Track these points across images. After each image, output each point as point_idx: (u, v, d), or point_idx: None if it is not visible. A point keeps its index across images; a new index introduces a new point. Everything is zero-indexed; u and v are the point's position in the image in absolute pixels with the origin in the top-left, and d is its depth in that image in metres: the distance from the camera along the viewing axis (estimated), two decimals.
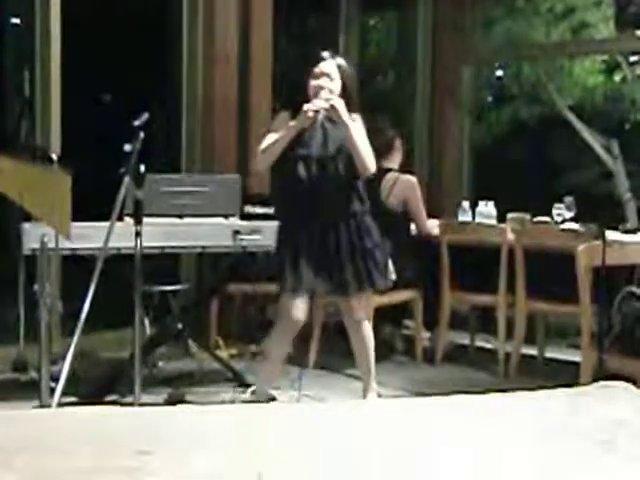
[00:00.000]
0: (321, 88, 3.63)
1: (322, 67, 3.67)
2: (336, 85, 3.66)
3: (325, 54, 3.72)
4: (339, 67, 3.70)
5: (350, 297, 3.76)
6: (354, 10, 6.60)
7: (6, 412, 1.77)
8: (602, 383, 2.19)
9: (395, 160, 5.02)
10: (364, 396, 3.90)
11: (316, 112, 3.58)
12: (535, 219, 4.96)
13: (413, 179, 4.98)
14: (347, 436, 1.77)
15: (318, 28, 7.10)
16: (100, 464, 1.45)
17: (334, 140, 3.70)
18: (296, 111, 3.64)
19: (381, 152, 5.00)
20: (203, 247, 4.14)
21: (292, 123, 3.61)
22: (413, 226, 5.05)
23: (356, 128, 3.65)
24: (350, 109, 3.63)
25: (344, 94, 3.66)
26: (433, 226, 5.02)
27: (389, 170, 4.97)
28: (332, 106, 3.58)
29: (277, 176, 3.81)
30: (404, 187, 4.93)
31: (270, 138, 3.66)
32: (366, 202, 3.81)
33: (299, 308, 3.70)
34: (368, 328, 3.87)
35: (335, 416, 2.00)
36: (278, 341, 3.78)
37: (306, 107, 3.57)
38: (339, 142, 3.69)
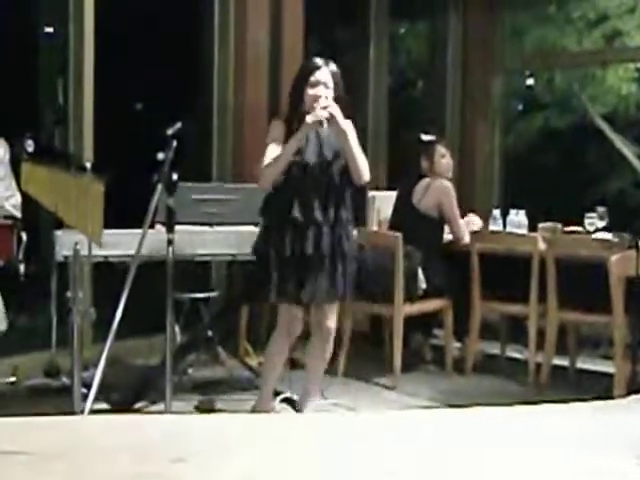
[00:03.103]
0: (318, 97, 3.62)
1: (318, 76, 3.66)
2: (332, 92, 3.66)
3: (319, 61, 3.70)
4: (332, 74, 3.69)
5: (327, 303, 3.75)
6: (384, 19, 6.60)
7: (43, 418, 1.79)
8: (637, 396, 2.17)
9: (430, 170, 4.99)
10: (302, 404, 3.90)
11: (319, 122, 3.58)
12: (567, 228, 4.92)
13: (447, 183, 4.95)
14: (377, 446, 1.77)
15: (348, 37, 7.11)
16: (136, 471, 1.46)
17: (329, 146, 3.70)
18: (291, 119, 3.67)
19: (418, 159, 5.01)
20: (233, 255, 4.16)
21: (295, 136, 3.59)
22: (446, 235, 5.02)
23: (352, 135, 3.65)
24: (343, 114, 3.63)
25: (337, 100, 3.65)
26: (467, 234, 4.98)
27: (424, 176, 4.96)
28: (331, 114, 3.58)
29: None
30: (438, 192, 4.90)
31: (271, 152, 3.63)
32: (351, 210, 3.78)
33: (295, 315, 3.72)
34: (332, 342, 3.87)
35: (366, 426, 1.99)
36: (275, 348, 3.80)
37: (309, 119, 3.57)
38: (334, 148, 3.69)
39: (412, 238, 4.68)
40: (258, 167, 3.68)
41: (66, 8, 4.81)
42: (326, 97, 3.63)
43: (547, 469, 1.65)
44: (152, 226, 3.49)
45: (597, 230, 4.66)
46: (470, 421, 2.00)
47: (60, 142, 5.04)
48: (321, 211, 3.64)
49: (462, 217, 5.08)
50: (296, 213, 3.61)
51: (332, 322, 3.82)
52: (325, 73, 3.67)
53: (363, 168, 3.68)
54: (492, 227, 5.09)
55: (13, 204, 3.91)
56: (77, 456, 1.55)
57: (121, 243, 3.69)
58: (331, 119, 3.58)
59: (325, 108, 3.58)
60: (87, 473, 1.48)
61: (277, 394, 4.28)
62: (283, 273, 3.62)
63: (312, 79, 3.65)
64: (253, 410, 3.85)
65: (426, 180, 4.95)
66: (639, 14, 7.12)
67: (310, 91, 3.64)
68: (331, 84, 3.66)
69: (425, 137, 5.11)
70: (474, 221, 5.20)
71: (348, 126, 3.64)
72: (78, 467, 1.50)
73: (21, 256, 3.76)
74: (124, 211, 3.57)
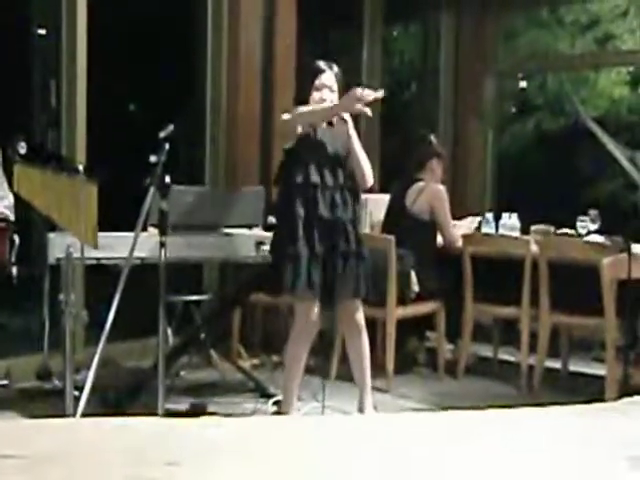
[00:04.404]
0: (324, 100, 3.67)
1: (323, 79, 3.71)
2: (336, 96, 3.71)
3: (322, 65, 3.74)
4: (337, 77, 3.74)
5: (354, 300, 3.78)
6: (377, 21, 6.61)
7: (35, 421, 1.79)
8: (628, 399, 2.17)
9: (427, 175, 4.99)
10: (360, 407, 3.88)
11: (329, 122, 3.65)
12: (559, 231, 4.94)
13: (441, 188, 4.97)
14: (371, 449, 1.77)
15: (342, 39, 7.12)
16: (129, 474, 1.46)
17: (337, 149, 3.74)
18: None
19: (415, 163, 5.02)
20: (226, 258, 4.16)
21: (337, 104, 3.61)
22: (439, 238, 5.03)
23: (357, 139, 3.71)
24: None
25: None
26: (459, 238, 5.00)
27: (419, 180, 4.97)
28: (344, 120, 3.61)
29: (286, 180, 3.80)
30: (432, 196, 4.91)
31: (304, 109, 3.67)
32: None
33: (315, 311, 3.71)
34: (366, 335, 3.88)
35: (358, 429, 1.99)
36: (297, 348, 3.78)
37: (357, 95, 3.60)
38: (341, 152, 3.73)
39: (405, 241, 4.69)
40: (281, 121, 3.72)
41: (59, 10, 4.80)
42: (331, 101, 3.67)
43: (537, 472, 1.66)
44: (145, 229, 3.49)
45: (589, 233, 4.68)
46: (461, 423, 2.00)
47: (53, 144, 5.03)
48: (343, 208, 3.69)
49: (460, 219, 5.10)
50: (317, 214, 3.65)
51: (361, 318, 3.84)
52: (330, 77, 3.72)
53: (368, 172, 3.74)
54: (485, 230, 5.10)
55: (6, 206, 3.90)
56: (70, 459, 1.55)
57: (114, 246, 3.68)
58: (342, 123, 3.63)
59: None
60: (80, 476, 1.47)
61: (270, 396, 4.28)
62: (312, 270, 3.63)
63: (317, 82, 3.70)
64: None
65: (420, 183, 4.96)
66: (631, 18, 7.16)
67: (316, 95, 3.68)
68: (335, 87, 3.72)
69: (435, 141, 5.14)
70: (468, 225, 5.21)
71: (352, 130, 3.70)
72: (71, 470, 1.50)
73: (13, 258, 3.74)
74: (117, 214, 3.56)
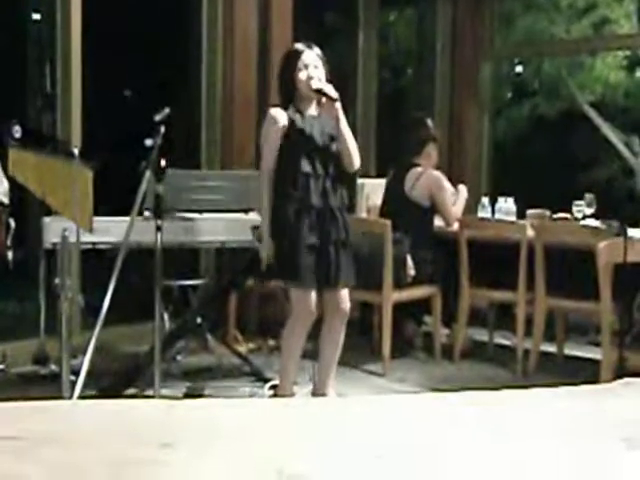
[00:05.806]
0: (311, 78, 3.63)
1: (305, 58, 3.67)
2: (323, 73, 3.67)
3: (300, 46, 3.71)
4: (318, 56, 3.70)
5: (342, 287, 3.76)
6: (373, 6, 6.58)
7: (31, 403, 1.79)
8: (624, 380, 2.18)
9: (424, 159, 4.99)
10: (318, 387, 3.88)
11: (318, 91, 3.61)
12: (555, 216, 4.94)
13: (438, 174, 4.96)
14: (366, 431, 1.77)
15: (338, 25, 7.09)
16: (125, 456, 1.47)
17: (326, 136, 3.70)
18: (286, 107, 3.68)
19: (412, 148, 5.01)
20: (222, 242, 4.16)
21: None
22: (437, 221, 5.03)
23: (345, 123, 3.68)
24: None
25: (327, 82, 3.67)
26: (459, 214, 4.99)
27: (416, 165, 4.96)
28: (333, 99, 3.59)
29: (278, 169, 3.75)
30: (430, 182, 4.90)
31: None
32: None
33: (312, 300, 3.70)
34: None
35: (354, 411, 2.00)
36: (294, 335, 3.78)
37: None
38: (330, 133, 3.70)
39: (402, 225, 4.68)
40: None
41: None
42: (319, 78, 3.64)
43: (534, 453, 1.66)
44: (140, 213, 3.48)
45: (585, 217, 4.68)
46: (458, 406, 2.01)
47: (48, 128, 5.01)
48: (333, 196, 3.67)
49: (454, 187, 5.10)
50: (310, 202, 3.62)
51: (348, 307, 3.82)
52: (311, 55, 3.68)
53: (354, 155, 3.70)
54: (481, 214, 5.09)
55: (0, 191, 3.89)
56: (66, 441, 1.55)
57: (109, 230, 3.68)
58: (330, 103, 3.59)
59: (320, 91, 3.60)
60: (76, 458, 1.48)
61: (266, 380, 4.29)
62: (311, 259, 3.62)
63: (300, 63, 3.65)
64: None
65: (418, 169, 4.95)
66: (627, 2, 7.14)
67: (302, 74, 3.65)
68: (320, 64, 3.68)
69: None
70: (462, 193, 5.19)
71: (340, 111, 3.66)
72: (68, 452, 1.50)
73: (9, 243, 3.74)
74: (112, 197, 3.55)
